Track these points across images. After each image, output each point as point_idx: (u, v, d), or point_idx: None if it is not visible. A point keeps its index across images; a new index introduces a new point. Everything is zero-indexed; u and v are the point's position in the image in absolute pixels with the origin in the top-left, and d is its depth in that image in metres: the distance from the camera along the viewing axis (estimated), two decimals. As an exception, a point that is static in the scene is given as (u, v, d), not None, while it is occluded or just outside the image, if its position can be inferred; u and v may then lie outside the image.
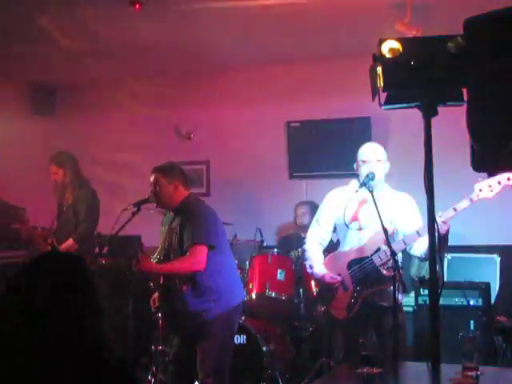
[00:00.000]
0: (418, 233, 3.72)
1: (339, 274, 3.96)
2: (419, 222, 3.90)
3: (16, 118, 6.63)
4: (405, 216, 3.95)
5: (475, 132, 2.07)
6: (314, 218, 4.23)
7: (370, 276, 3.86)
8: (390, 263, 3.76)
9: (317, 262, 4.06)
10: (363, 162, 3.95)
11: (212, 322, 3.83)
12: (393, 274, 3.61)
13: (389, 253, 3.69)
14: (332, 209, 4.09)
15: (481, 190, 3.59)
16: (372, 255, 3.86)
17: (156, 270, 3.89)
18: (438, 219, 3.54)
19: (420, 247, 3.84)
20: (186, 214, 3.91)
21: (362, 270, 3.88)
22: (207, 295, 3.83)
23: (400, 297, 3.85)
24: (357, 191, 3.94)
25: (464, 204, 3.63)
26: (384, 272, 3.83)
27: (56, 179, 5.21)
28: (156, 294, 4.14)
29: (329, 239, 4.18)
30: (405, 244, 3.79)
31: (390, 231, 3.74)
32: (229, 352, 3.96)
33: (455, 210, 3.63)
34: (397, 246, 3.73)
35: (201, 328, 3.84)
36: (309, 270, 4.13)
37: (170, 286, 3.92)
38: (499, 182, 3.55)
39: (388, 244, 3.55)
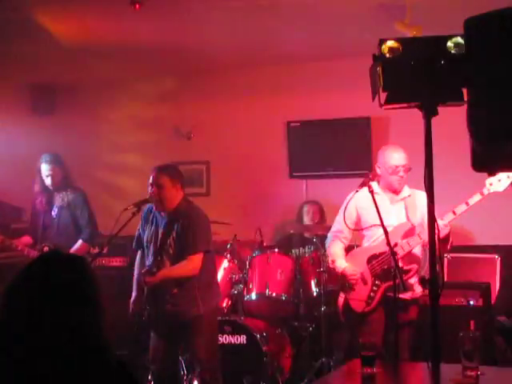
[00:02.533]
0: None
1: (357, 268, 4.09)
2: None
3: (16, 117, 6.63)
4: (421, 213, 4.00)
5: (475, 132, 2.07)
6: (336, 218, 4.31)
7: (387, 270, 3.94)
8: (408, 257, 3.96)
9: (338, 257, 4.20)
10: (393, 172, 4.05)
11: (201, 319, 3.97)
12: (410, 266, 3.92)
13: (406, 248, 3.92)
14: (355, 210, 4.18)
15: (491, 184, 3.75)
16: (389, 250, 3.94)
17: (160, 280, 3.96)
18: (451, 215, 3.83)
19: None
20: (184, 220, 4.00)
21: (380, 264, 4.01)
22: (196, 294, 3.97)
23: (419, 289, 4.04)
24: (356, 191, 3.98)
25: (476, 198, 3.80)
26: (400, 265, 3.89)
27: (51, 180, 5.03)
28: (133, 297, 4.15)
29: (350, 238, 4.30)
30: (420, 238, 3.91)
31: (408, 227, 3.97)
32: (217, 346, 4.24)
33: (467, 203, 3.81)
34: (413, 242, 3.93)
35: (190, 326, 3.97)
36: (331, 265, 4.29)
37: (159, 289, 4.00)
38: (508, 177, 3.70)
39: (388, 243, 3.58)
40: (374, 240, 4.13)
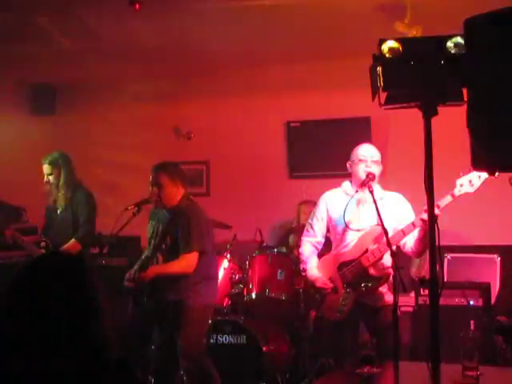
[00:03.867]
0: (413, 224, 3.71)
1: (331, 277, 3.98)
2: (410, 218, 3.86)
3: (16, 117, 6.63)
4: (393, 215, 3.93)
5: (475, 132, 2.07)
6: (308, 222, 4.24)
7: (358, 277, 3.87)
8: (380, 264, 3.84)
9: (310, 265, 4.10)
10: (359, 161, 3.95)
11: (192, 310, 4.01)
12: (382, 274, 3.80)
13: (377, 254, 3.78)
14: (326, 212, 4.11)
15: (462, 186, 3.56)
16: (360, 256, 3.86)
17: (155, 275, 4.03)
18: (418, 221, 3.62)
19: (411, 243, 3.85)
20: (182, 219, 4.03)
21: (351, 271, 3.89)
22: (191, 286, 4.03)
23: (388, 297, 3.87)
24: (357, 191, 3.94)
25: (446, 200, 3.60)
26: (373, 272, 3.84)
27: (50, 180, 5.11)
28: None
29: (323, 241, 4.20)
30: (404, 234, 3.75)
31: (379, 232, 3.73)
32: (203, 344, 4.25)
33: (438, 206, 3.54)
34: (396, 237, 3.74)
35: (182, 316, 4.01)
36: (302, 273, 4.20)
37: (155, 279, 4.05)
38: (479, 177, 3.51)
39: (388, 244, 3.52)
40: (344, 245, 3.99)
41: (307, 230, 4.21)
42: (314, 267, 4.09)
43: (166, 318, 4.14)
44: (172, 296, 4.06)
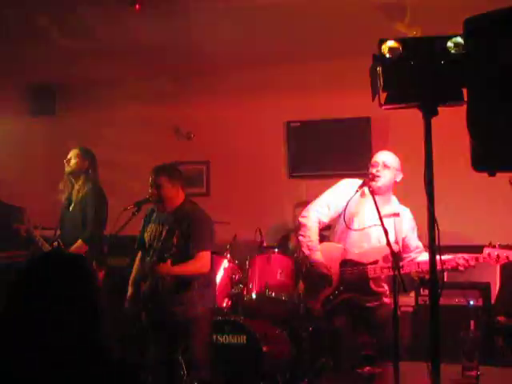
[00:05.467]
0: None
1: (330, 267, 3.97)
2: (415, 243, 3.98)
3: (16, 117, 6.63)
4: (402, 235, 3.97)
5: (475, 132, 2.07)
6: (322, 198, 4.18)
7: (357, 282, 3.88)
8: (380, 281, 3.90)
9: (317, 247, 4.04)
10: (371, 166, 3.98)
11: (198, 319, 3.99)
12: (379, 291, 3.87)
13: (385, 271, 3.81)
14: (342, 198, 4.04)
15: (489, 256, 3.64)
16: (368, 264, 3.86)
17: (171, 272, 3.96)
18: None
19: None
20: (191, 220, 4.01)
21: (353, 273, 3.90)
22: (195, 294, 3.99)
23: (383, 298, 3.94)
24: (357, 191, 3.94)
25: (471, 262, 3.73)
26: (372, 286, 3.85)
27: (71, 164, 4.98)
28: (129, 295, 4.16)
29: (326, 224, 4.17)
30: (418, 267, 3.82)
31: (388, 252, 3.64)
32: (210, 346, 4.20)
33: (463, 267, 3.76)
34: (410, 267, 3.82)
35: (187, 326, 3.97)
36: (305, 251, 4.07)
37: (159, 282, 4.01)
38: (507, 257, 3.59)
39: (388, 243, 3.51)
40: (349, 241, 3.99)
41: (321, 206, 4.12)
42: (319, 251, 4.03)
43: (169, 330, 4.06)
44: (176, 306, 3.98)
